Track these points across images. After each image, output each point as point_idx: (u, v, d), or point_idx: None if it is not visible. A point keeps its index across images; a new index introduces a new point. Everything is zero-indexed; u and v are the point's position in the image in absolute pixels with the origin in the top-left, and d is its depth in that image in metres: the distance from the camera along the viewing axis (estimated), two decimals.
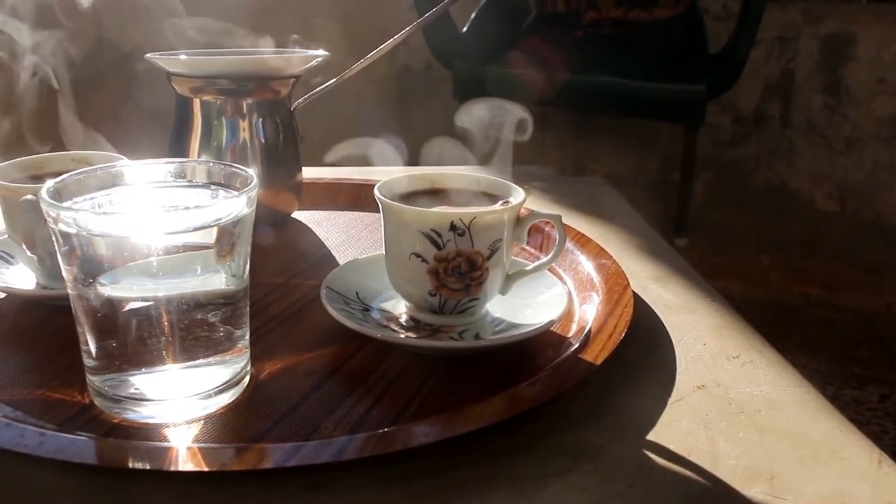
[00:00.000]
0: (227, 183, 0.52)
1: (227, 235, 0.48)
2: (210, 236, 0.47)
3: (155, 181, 0.54)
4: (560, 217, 0.60)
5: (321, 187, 0.93)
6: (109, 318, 0.48)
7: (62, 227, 0.46)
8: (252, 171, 0.50)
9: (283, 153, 0.80)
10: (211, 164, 0.53)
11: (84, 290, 0.48)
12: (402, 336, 0.59)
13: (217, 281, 0.49)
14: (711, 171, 2.44)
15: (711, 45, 2.18)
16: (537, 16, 2.11)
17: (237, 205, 0.47)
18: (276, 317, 0.64)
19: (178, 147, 0.79)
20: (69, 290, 0.49)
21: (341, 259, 0.77)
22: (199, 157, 0.78)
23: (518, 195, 0.60)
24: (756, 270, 2.47)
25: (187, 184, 0.54)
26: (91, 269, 0.47)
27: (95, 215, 0.48)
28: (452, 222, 0.56)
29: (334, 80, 0.80)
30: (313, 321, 0.63)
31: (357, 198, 0.92)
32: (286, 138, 0.80)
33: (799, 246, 2.44)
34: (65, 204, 0.48)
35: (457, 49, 2.04)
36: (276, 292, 0.68)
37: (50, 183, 0.48)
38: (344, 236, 0.83)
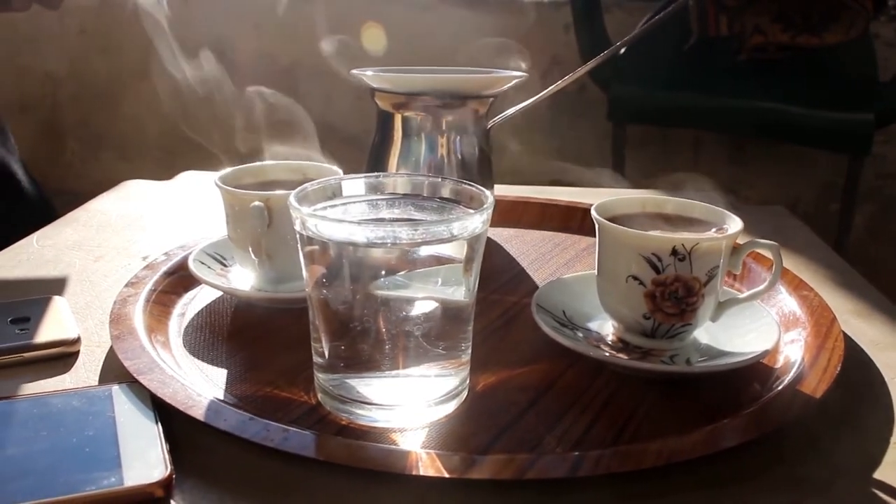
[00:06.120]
0: (457, 199, 0.54)
1: (469, 250, 0.49)
2: (460, 250, 0.49)
3: (384, 194, 0.56)
4: (778, 247, 0.60)
5: (506, 205, 0.94)
6: (345, 321, 0.50)
7: (310, 232, 0.49)
8: (488, 191, 0.52)
9: (477, 170, 0.82)
10: (445, 181, 0.55)
11: (324, 292, 0.50)
12: (612, 355, 0.60)
13: (458, 294, 0.50)
14: (874, 204, 2.35)
15: (882, 73, 2.10)
16: (699, 38, 2.07)
17: (478, 220, 0.49)
18: (482, 331, 0.65)
19: (377, 160, 0.82)
20: (308, 291, 0.51)
21: (536, 277, 0.78)
22: (397, 170, 0.80)
23: (735, 223, 0.60)
24: None
25: (416, 197, 0.56)
26: (336, 273, 0.49)
27: (344, 223, 0.50)
28: (674, 247, 0.56)
29: (529, 100, 0.82)
30: (520, 337, 0.64)
31: (541, 217, 0.93)
32: (481, 156, 0.82)
33: None
34: (308, 209, 0.50)
35: (613, 71, 2.03)
36: (478, 307, 0.69)
37: (299, 190, 0.51)
38: (535, 254, 0.84)
